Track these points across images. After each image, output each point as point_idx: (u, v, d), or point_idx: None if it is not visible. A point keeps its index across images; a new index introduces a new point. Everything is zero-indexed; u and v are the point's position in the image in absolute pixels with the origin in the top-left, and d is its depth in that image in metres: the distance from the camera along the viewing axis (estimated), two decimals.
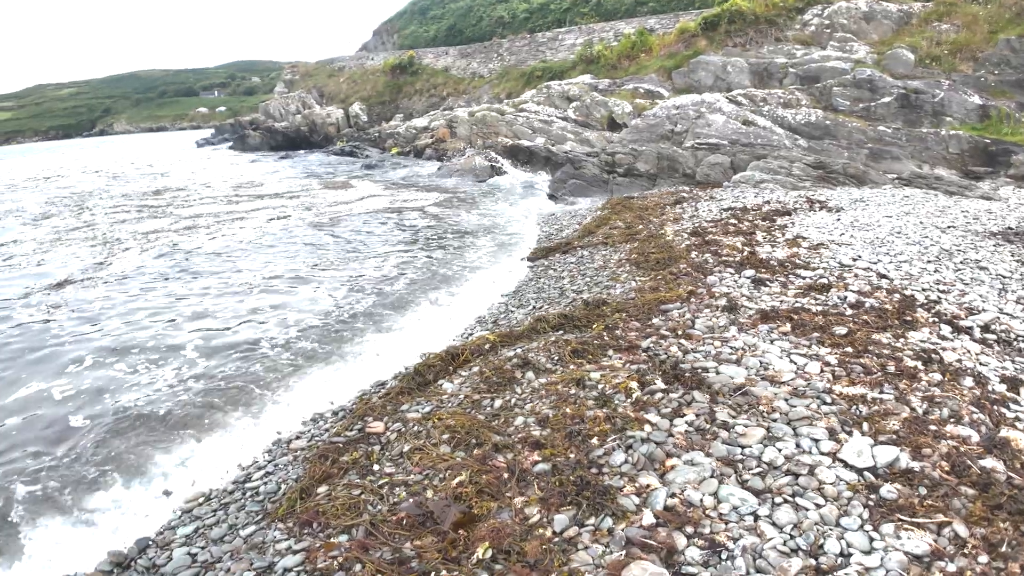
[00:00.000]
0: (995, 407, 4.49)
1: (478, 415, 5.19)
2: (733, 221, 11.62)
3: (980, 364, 5.23)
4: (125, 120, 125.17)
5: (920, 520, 3.33)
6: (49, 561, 4.55)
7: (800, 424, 4.23)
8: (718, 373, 5.08)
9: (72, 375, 7.52)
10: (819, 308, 6.52)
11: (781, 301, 6.85)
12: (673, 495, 3.68)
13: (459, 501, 3.97)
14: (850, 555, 3.12)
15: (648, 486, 3.79)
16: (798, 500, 3.52)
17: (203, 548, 4.25)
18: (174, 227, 16.87)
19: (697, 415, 4.50)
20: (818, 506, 3.46)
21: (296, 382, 7.15)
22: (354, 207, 18.44)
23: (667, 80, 28.98)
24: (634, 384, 5.08)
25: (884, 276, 7.63)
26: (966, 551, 3.13)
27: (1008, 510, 3.37)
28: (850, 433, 4.11)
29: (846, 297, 6.80)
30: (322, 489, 4.55)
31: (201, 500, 4.97)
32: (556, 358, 6.10)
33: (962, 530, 3.25)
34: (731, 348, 5.61)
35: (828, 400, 4.53)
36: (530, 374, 5.82)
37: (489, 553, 3.47)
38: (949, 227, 10.36)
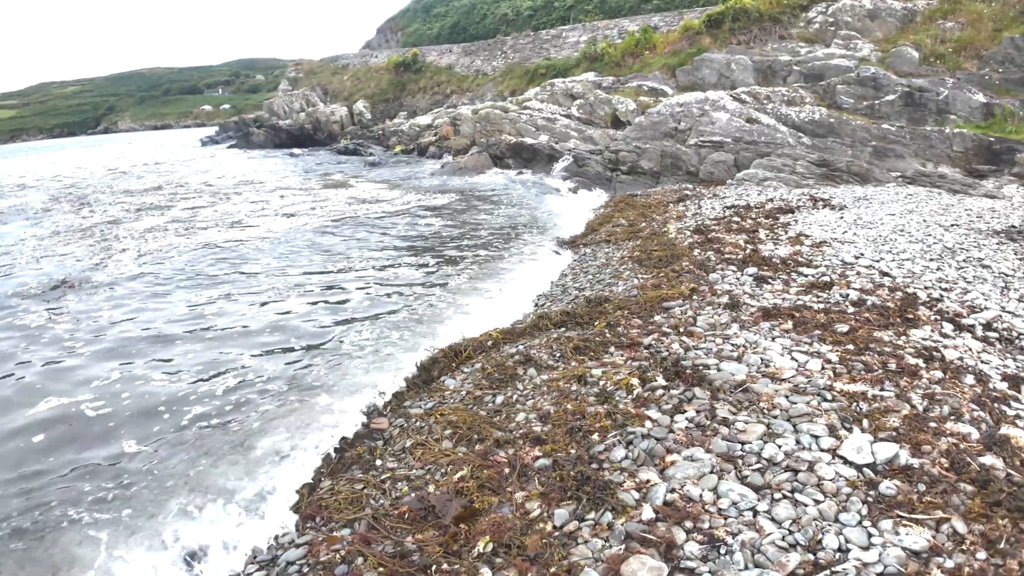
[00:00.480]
0: (996, 405, 4.50)
1: (480, 411, 5.22)
2: (736, 219, 11.62)
3: (982, 362, 5.24)
4: (129, 118, 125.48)
5: (919, 516, 3.34)
6: None
7: (800, 421, 4.25)
8: (719, 370, 5.10)
9: (102, 386, 6.84)
10: (821, 306, 6.53)
11: (783, 299, 6.86)
12: (673, 490, 3.70)
13: (460, 495, 3.99)
14: (848, 550, 3.13)
15: (648, 481, 3.81)
16: (797, 496, 3.54)
17: None
18: (219, 224, 16.85)
19: (698, 411, 4.52)
20: (817, 502, 3.48)
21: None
22: (359, 208, 18.39)
23: (671, 78, 28.96)
24: (635, 381, 5.10)
25: (886, 274, 7.64)
26: (964, 547, 3.14)
27: (1007, 507, 3.39)
28: (850, 430, 4.12)
29: (848, 295, 6.81)
30: (326, 483, 4.58)
31: None
32: (558, 355, 6.12)
33: (960, 526, 3.26)
34: (732, 345, 5.63)
35: (829, 397, 4.54)
36: (532, 370, 5.85)
37: (490, 547, 3.50)
38: (952, 225, 10.35)
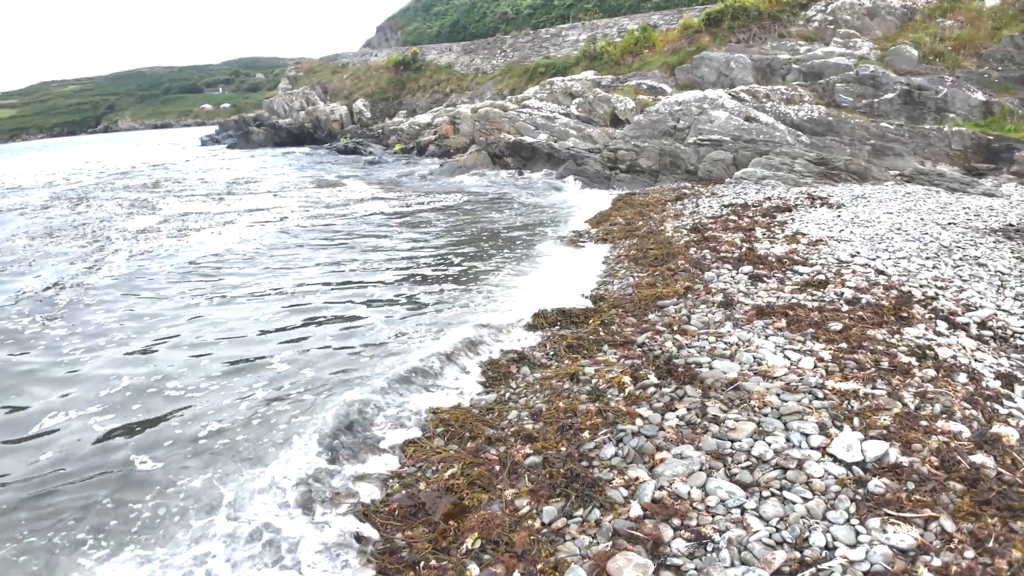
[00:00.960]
0: (988, 403, 4.49)
1: (472, 409, 5.22)
2: (733, 217, 11.61)
3: (975, 360, 5.23)
4: (129, 117, 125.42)
5: (907, 515, 3.34)
6: None
7: (791, 419, 4.25)
8: (711, 368, 5.10)
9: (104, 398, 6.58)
10: (815, 304, 6.52)
11: (777, 297, 6.86)
12: (661, 488, 3.70)
13: (450, 493, 3.99)
14: (835, 548, 3.13)
15: (637, 479, 3.81)
16: (785, 494, 3.54)
17: None
18: (212, 222, 16.80)
19: (688, 409, 4.52)
20: (805, 500, 3.48)
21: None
22: (355, 209, 18.32)
23: (670, 76, 28.93)
24: (627, 379, 5.10)
25: (882, 272, 7.63)
26: (952, 546, 3.13)
27: (997, 505, 3.38)
28: (841, 428, 4.12)
29: (843, 293, 6.81)
30: None
31: None
32: (552, 353, 6.12)
33: (949, 525, 3.25)
34: (725, 343, 5.62)
35: (820, 395, 4.54)
36: (525, 369, 5.85)
37: (478, 543, 3.50)
38: (949, 224, 10.34)
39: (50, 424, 6.05)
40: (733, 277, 7.83)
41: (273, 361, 7.04)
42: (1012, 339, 5.77)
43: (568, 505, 3.68)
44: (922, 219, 10.66)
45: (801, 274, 7.68)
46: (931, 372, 4.92)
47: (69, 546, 4.18)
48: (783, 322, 6.05)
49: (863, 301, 6.54)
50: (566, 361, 5.86)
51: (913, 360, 5.13)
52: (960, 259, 8.28)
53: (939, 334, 5.77)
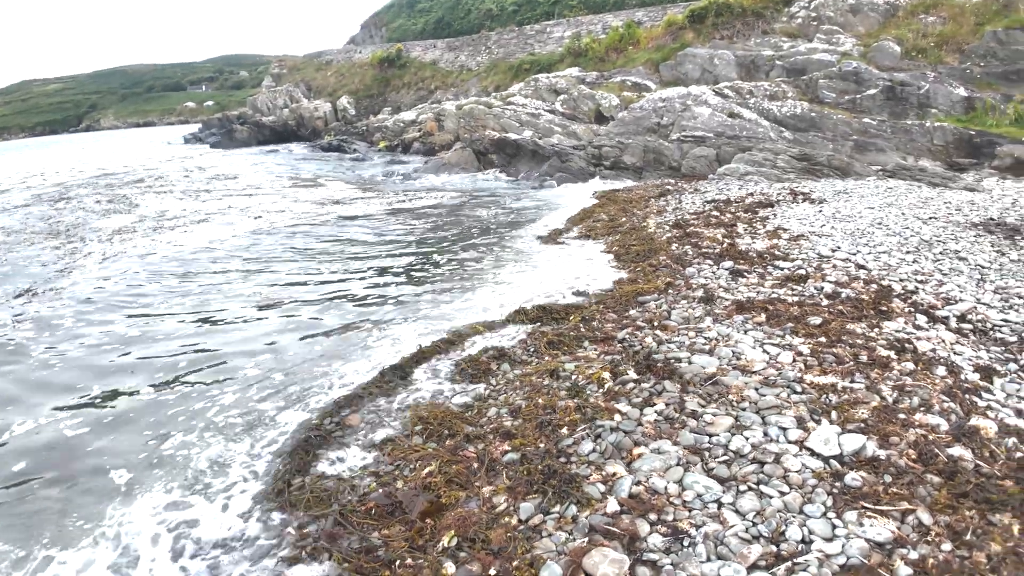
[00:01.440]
0: (967, 396, 4.50)
1: (451, 406, 5.18)
2: (715, 213, 11.63)
3: (954, 353, 5.24)
4: (112, 115, 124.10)
5: (884, 508, 3.33)
6: None
7: (769, 413, 4.24)
8: (690, 363, 5.09)
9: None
10: (795, 298, 6.53)
11: (758, 292, 6.86)
12: (638, 483, 3.68)
13: (428, 491, 3.96)
14: (811, 542, 3.12)
15: (614, 474, 3.79)
16: (762, 488, 3.53)
17: None
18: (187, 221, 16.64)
19: (667, 404, 4.50)
20: (782, 494, 3.47)
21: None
22: (335, 208, 18.20)
23: (654, 73, 28.96)
24: (607, 374, 5.08)
25: (862, 267, 7.65)
26: (929, 539, 3.13)
27: (974, 498, 3.38)
28: (818, 422, 4.11)
29: (823, 287, 6.82)
30: (296, 480, 4.51)
31: None
32: (532, 349, 6.09)
33: (926, 518, 3.25)
34: (705, 338, 5.62)
35: (798, 389, 4.54)
36: (505, 365, 5.82)
37: (455, 541, 3.47)
38: (931, 218, 10.39)
39: None
40: (714, 272, 7.83)
41: (243, 364, 6.99)
42: (991, 332, 5.78)
43: (545, 502, 3.66)
44: (903, 214, 10.71)
45: (782, 269, 7.69)
46: (910, 365, 4.92)
47: None
48: (763, 317, 6.05)
49: (843, 295, 6.55)
50: (546, 357, 5.83)
51: (892, 354, 5.13)
52: (940, 253, 8.32)
53: (918, 328, 5.78)
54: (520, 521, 3.55)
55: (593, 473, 3.84)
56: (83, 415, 6.11)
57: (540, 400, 4.90)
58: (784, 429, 4.04)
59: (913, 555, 3.01)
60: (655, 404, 4.55)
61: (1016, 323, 5.91)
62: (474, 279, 9.65)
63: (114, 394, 6.52)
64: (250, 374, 6.70)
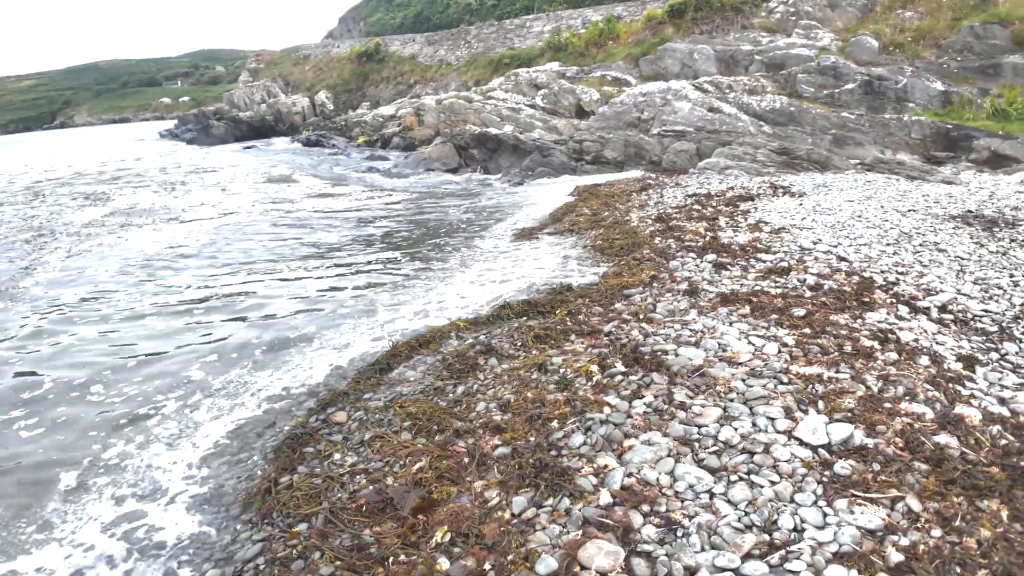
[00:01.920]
0: (950, 385, 4.55)
1: (440, 401, 5.17)
2: (697, 207, 11.68)
3: (936, 343, 5.31)
4: (86, 112, 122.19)
5: (873, 495, 3.36)
6: None
7: (757, 403, 4.26)
8: (677, 355, 5.11)
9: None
10: (778, 291, 6.57)
11: (741, 284, 6.90)
12: (630, 475, 3.69)
13: (419, 487, 3.94)
14: (803, 530, 3.14)
15: (606, 466, 3.79)
16: (753, 478, 3.55)
17: None
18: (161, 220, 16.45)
19: (655, 396, 4.52)
20: (773, 483, 3.49)
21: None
22: (307, 203, 18.10)
23: (634, 67, 29.05)
24: (595, 367, 5.09)
25: (844, 259, 7.72)
26: (919, 525, 3.16)
27: (962, 485, 3.42)
28: (806, 411, 4.14)
29: (805, 279, 6.87)
30: (284, 479, 4.48)
31: None
32: (519, 343, 6.09)
33: (915, 505, 3.28)
34: (691, 331, 5.64)
35: (785, 380, 4.57)
36: (493, 360, 5.81)
37: (448, 536, 3.45)
38: (909, 211, 10.51)
39: None
40: (697, 265, 7.87)
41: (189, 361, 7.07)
42: (972, 322, 5.86)
43: (538, 495, 3.65)
44: (882, 206, 10.82)
45: (764, 262, 7.75)
46: (893, 355, 4.97)
47: None
48: (747, 309, 6.09)
49: (825, 287, 6.61)
50: (534, 351, 5.83)
51: (876, 344, 5.18)
52: (920, 245, 8.41)
53: (901, 318, 5.85)
54: (513, 515, 3.54)
55: (585, 466, 3.84)
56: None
57: (529, 394, 4.89)
58: (772, 419, 4.07)
59: (904, 541, 3.04)
60: (644, 396, 4.56)
61: (996, 313, 6.00)
62: (436, 278, 9.65)
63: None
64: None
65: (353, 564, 3.43)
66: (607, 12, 36.62)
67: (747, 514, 3.28)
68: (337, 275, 10.33)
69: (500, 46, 41.42)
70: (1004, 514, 3.20)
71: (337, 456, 4.62)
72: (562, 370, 5.23)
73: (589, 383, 4.90)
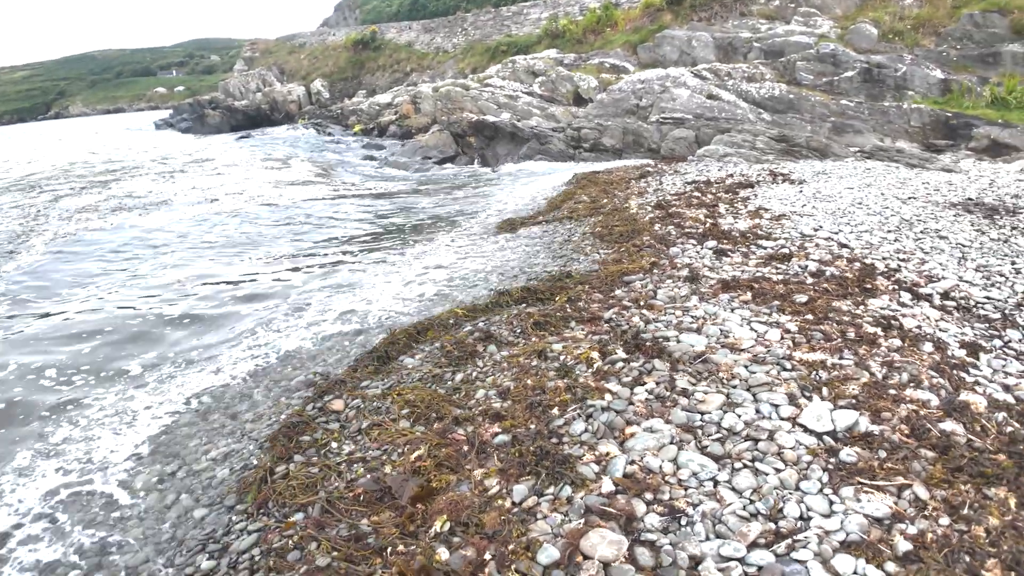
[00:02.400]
0: (955, 371, 4.50)
1: (439, 389, 5.10)
2: (696, 194, 11.60)
3: (940, 330, 5.25)
4: (81, 102, 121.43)
5: (880, 483, 3.31)
6: None
7: (760, 390, 4.20)
8: (679, 342, 5.04)
9: None
10: (780, 277, 6.51)
11: (742, 271, 6.83)
12: (632, 462, 3.62)
13: (417, 475, 3.87)
14: (810, 518, 3.09)
15: (608, 454, 3.73)
16: (758, 465, 3.49)
17: None
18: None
19: (657, 383, 4.45)
20: (777, 471, 3.43)
21: None
22: (298, 191, 18.06)
23: (633, 55, 28.88)
24: (595, 354, 5.02)
25: (845, 246, 7.66)
26: (927, 513, 3.11)
27: (969, 472, 3.36)
28: (810, 398, 4.09)
29: (807, 266, 6.81)
30: (280, 468, 4.42)
31: None
32: (518, 331, 6.02)
33: (922, 492, 3.23)
34: (692, 317, 5.57)
35: (788, 366, 4.51)
36: (492, 347, 5.74)
37: (447, 526, 3.39)
38: (910, 198, 10.44)
39: None
40: (698, 252, 7.80)
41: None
42: (975, 309, 5.80)
43: (539, 483, 3.59)
44: (882, 194, 10.75)
45: (765, 248, 7.68)
46: (897, 342, 4.91)
47: None
48: (749, 295, 6.03)
49: (827, 274, 6.55)
50: (533, 338, 5.76)
51: (879, 330, 5.12)
52: (921, 232, 8.35)
53: (903, 305, 5.79)
54: (514, 504, 3.48)
55: (586, 453, 3.78)
56: None
57: (529, 381, 4.82)
58: (776, 406, 4.01)
59: (912, 530, 2.99)
60: (645, 383, 4.49)
61: (998, 300, 5.94)
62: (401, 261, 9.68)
63: None
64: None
65: (350, 555, 3.36)
66: None
67: (752, 502, 3.23)
68: (328, 259, 10.45)
69: (497, 33, 41.19)
70: (1012, 502, 3.15)
71: (334, 445, 4.55)
72: (562, 357, 5.17)
73: (590, 370, 4.83)
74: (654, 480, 3.47)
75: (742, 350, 4.83)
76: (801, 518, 3.10)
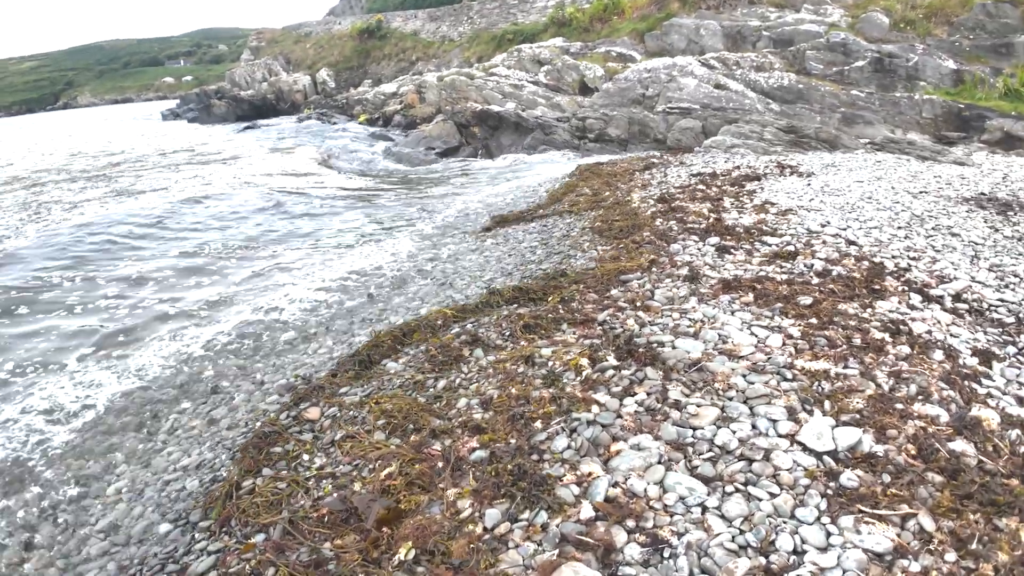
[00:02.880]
0: (966, 383, 4.20)
1: (419, 397, 4.83)
2: (701, 187, 11.29)
3: (951, 336, 4.95)
4: (89, 92, 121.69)
5: (882, 512, 3.03)
6: None
7: (758, 403, 3.92)
8: (674, 348, 4.76)
9: None
10: (784, 277, 6.21)
11: (745, 269, 6.54)
12: (616, 484, 3.36)
13: (387, 494, 3.62)
14: (804, 552, 2.82)
15: (590, 474, 3.47)
16: (750, 489, 3.22)
17: None
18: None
19: (648, 393, 4.17)
20: (772, 496, 3.16)
21: None
22: (298, 181, 17.99)
23: (639, 43, 28.46)
24: (585, 361, 4.74)
25: (853, 243, 7.34)
26: (932, 547, 2.83)
27: (979, 500, 3.07)
28: (811, 413, 3.80)
29: (812, 265, 6.51)
30: (247, 483, 4.17)
31: None
32: (507, 333, 5.75)
33: (928, 523, 2.95)
34: (690, 320, 5.28)
35: (789, 376, 4.22)
36: (478, 351, 5.47)
37: (412, 554, 3.13)
38: (921, 192, 10.10)
39: None
40: (700, 249, 7.50)
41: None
42: (988, 312, 5.50)
43: (513, 507, 3.33)
44: (893, 188, 10.41)
45: (770, 245, 7.37)
46: (905, 349, 4.62)
47: None
48: (750, 296, 5.73)
49: (834, 273, 6.24)
50: (522, 342, 5.49)
51: (887, 336, 4.83)
52: (933, 229, 8.03)
53: (913, 308, 5.48)
54: (485, 529, 3.22)
55: (567, 473, 3.51)
56: None
57: (514, 390, 4.55)
58: (774, 421, 3.73)
59: (915, 567, 2.72)
60: (636, 393, 4.22)
61: (1013, 303, 5.64)
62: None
63: None
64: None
65: None
66: None
67: (742, 532, 2.95)
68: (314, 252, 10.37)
69: (503, 21, 40.77)
70: (1023, 534, 2.87)
71: (306, 457, 4.31)
72: (551, 363, 4.89)
73: (578, 378, 4.56)
74: (638, 505, 3.20)
75: (741, 357, 4.55)
76: (795, 552, 2.83)
